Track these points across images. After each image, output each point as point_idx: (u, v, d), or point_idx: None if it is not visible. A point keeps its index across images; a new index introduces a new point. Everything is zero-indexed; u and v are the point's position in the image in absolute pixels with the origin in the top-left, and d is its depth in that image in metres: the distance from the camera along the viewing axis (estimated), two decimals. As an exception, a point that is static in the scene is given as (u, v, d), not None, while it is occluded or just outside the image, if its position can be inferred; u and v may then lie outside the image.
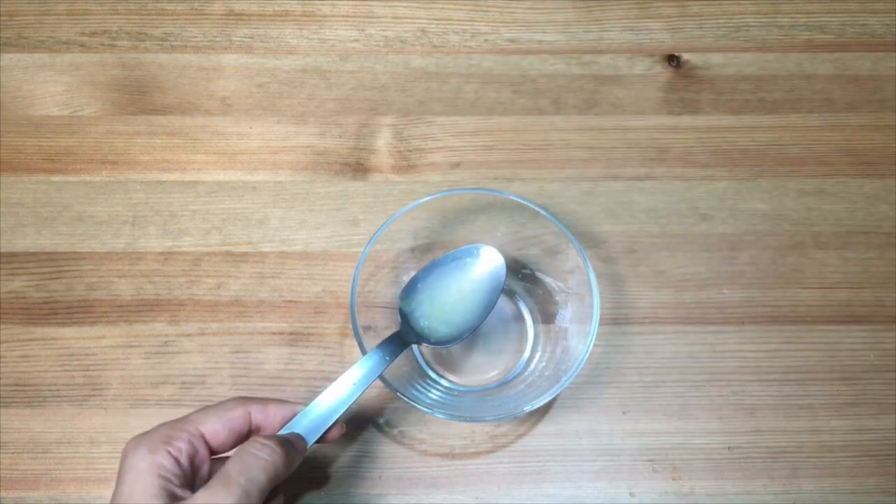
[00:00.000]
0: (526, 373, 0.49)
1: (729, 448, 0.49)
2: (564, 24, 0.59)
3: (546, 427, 0.50)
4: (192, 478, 0.38)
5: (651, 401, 0.50)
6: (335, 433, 0.41)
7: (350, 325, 0.50)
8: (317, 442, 0.41)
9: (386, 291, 0.50)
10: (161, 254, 0.53)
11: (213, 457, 0.39)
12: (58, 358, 0.51)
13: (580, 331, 0.45)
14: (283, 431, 0.40)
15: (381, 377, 0.43)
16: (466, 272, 0.46)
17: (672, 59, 0.58)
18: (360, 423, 0.50)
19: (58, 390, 0.50)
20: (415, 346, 0.50)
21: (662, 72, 0.58)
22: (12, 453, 0.49)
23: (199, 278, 0.52)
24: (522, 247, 0.50)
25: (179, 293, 0.52)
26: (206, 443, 0.39)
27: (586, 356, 0.43)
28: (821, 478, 0.48)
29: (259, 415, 0.40)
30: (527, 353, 0.50)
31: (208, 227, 0.54)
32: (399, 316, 0.45)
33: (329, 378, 0.50)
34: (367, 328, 0.48)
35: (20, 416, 0.50)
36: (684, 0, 0.60)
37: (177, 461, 0.37)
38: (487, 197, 0.48)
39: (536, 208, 0.45)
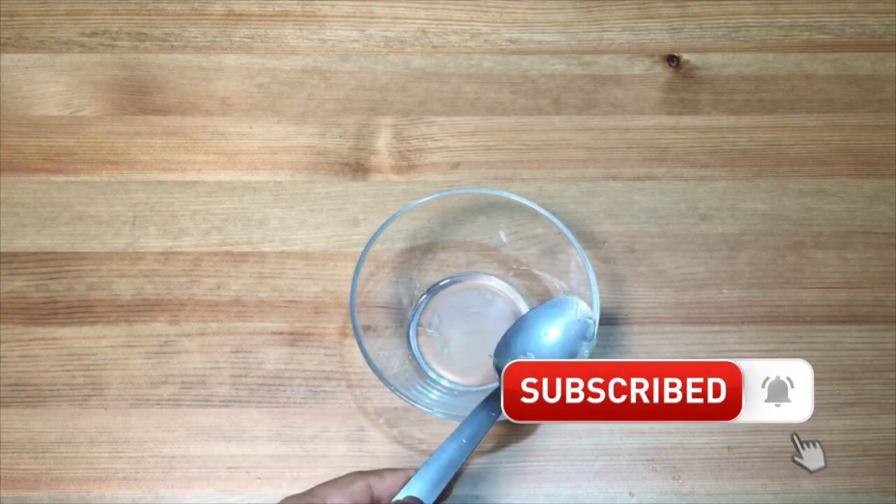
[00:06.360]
0: None
1: (729, 448, 0.49)
2: (564, 24, 0.59)
3: (546, 427, 0.50)
4: None
5: (651, 401, 0.50)
6: (447, 492, 0.42)
7: (350, 325, 0.50)
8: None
9: (386, 291, 0.50)
10: (161, 254, 0.53)
11: None
12: (58, 358, 0.51)
13: None
14: (399, 496, 0.40)
15: (380, 376, 0.43)
16: (557, 322, 0.45)
17: (672, 60, 0.58)
18: (360, 423, 0.50)
19: (58, 390, 0.50)
20: (413, 344, 0.50)
21: (662, 72, 0.58)
22: (12, 453, 0.49)
23: (200, 278, 0.52)
24: (522, 247, 0.50)
25: (179, 293, 0.52)
26: None
27: (587, 356, 0.43)
28: (820, 477, 0.48)
29: (378, 486, 0.40)
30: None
31: (208, 227, 0.54)
32: (496, 372, 0.45)
33: (329, 378, 0.50)
34: (368, 328, 0.48)
35: (20, 415, 0.50)
36: (684, 0, 0.60)
37: None
38: (487, 197, 0.48)
39: (536, 208, 0.46)
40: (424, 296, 0.51)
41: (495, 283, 0.52)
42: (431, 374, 0.50)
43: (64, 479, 0.49)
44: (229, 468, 0.49)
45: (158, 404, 0.50)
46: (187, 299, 0.52)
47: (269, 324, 0.52)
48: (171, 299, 0.52)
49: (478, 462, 0.49)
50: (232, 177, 0.55)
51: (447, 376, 0.50)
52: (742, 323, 0.52)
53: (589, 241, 0.53)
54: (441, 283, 0.52)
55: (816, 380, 0.50)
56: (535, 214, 0.46)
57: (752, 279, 0.53)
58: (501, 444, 0.49)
